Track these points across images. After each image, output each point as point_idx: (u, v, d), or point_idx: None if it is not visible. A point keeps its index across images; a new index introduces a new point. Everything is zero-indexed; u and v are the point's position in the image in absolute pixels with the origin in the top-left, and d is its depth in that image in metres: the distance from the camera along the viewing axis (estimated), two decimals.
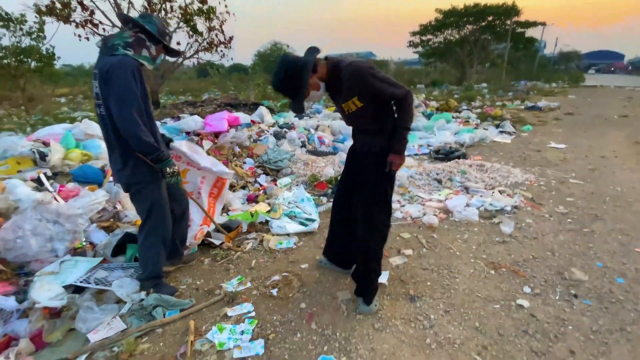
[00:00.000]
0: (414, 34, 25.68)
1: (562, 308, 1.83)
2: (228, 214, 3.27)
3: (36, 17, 10.63)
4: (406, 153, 4.96)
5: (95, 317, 1.84)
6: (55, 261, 2.25)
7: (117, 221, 2.73)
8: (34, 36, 12.99)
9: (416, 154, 5.34)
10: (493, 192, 3.38)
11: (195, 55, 10.82)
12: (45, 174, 2.82)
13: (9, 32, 12.25)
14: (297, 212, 3.22)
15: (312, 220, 3.03)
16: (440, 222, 2.87)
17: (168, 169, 1.84)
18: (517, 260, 2.30)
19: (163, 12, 9.59)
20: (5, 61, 12.49)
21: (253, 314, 1.86)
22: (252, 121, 5.89)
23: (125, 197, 2.90)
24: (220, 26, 10.24)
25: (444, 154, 4.95)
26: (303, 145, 5.53)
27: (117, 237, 2.47)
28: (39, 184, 2.69)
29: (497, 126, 7.15)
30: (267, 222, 3.02)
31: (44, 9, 8.38)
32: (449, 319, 1.76)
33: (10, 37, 12.33)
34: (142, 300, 1.98)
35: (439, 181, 3.85)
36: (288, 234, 2.78)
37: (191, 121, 4.94)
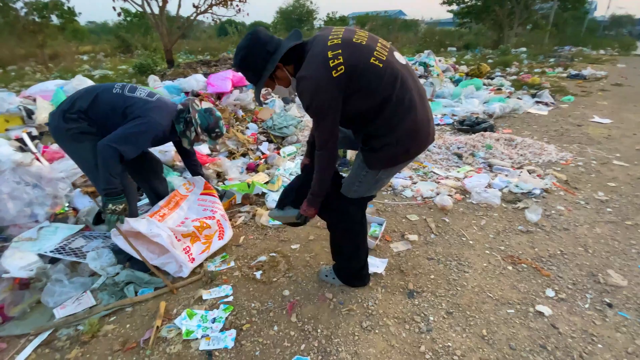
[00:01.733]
0: None
1: (591, 320, 1.52)
2: (224, 183, 3.07)
3: None
4: None
5: (65, 291, 1.72)
6: (34, 227, 2.14)
7: None
8: None
9: (438, 124, 4.85)
10: (521, 172, 2.95)
11: (210, 10, 10.22)
12: (30, 133, 2.67)
13: None
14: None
15: None
16: (455, 204, 2.54)
17: (110, 206, 1.64)
18: (541, 255, 1.97)
19: None
20: (30, 17, 12.38)
21: (230, 298, 1.68)
22: None
23: None
24: None
25: (469, 125, 4.45)
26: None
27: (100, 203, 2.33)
28: (23, 144, 2.54)
29: (534, 95, 6.40)
30: (263, 194, 2.80)
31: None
32: (450, 323, 1.51)
33: None
34: (117, 274, 1.85)
35: (459, 156, 3.43)
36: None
37: (193, 80, 4.64)
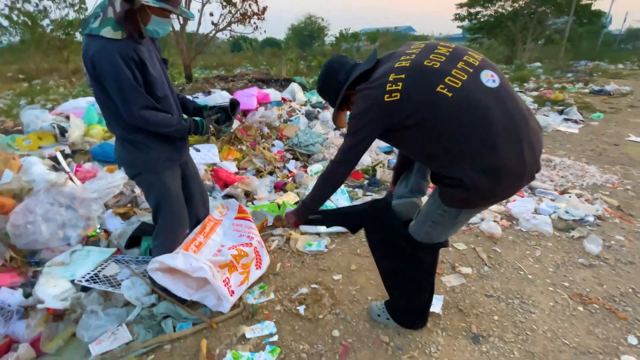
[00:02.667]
0: (460, 5, 23.42)
1: None
2: (253, 203, 2.97)
3: None
4: None
5: (100, 325, 1.61)
6: (67, 250, 2.06)
7: (134, 207, 2.52)
8: (76, 8, 13.20)
9: None
10: (569, 196, 2.78)
11: (228, 28, 10.43)
12: (63, 151, 2.64)
13: (54, 5, 12.49)
14: (328, 206, 2.85)
15: None
16: (503, 232, 2.38)
17: (207, 135, 1.61)
18: (611, 293, 1.79)
19: None
20: (55, 34, 12.85)
21: (275, 337, 1.55)
22: (283, 99, 5.49)
23: None
24: None
25: None
26: (337, 128, 5.09)
27: (132, 226, 2.25)
28: (56, 163, 2.50)
29: (561, 112, 6.22)
30: None
31: None
32: None
33: (55, 9, 12.58)
34: (153, 305, 1.74)
35: None
36: (318, 234, 2.43)
37: (219, 97, 4.64)
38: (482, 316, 1.63)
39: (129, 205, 2.51)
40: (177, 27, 9.79)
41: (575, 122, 5.74)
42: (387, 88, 1.08)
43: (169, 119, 1.47)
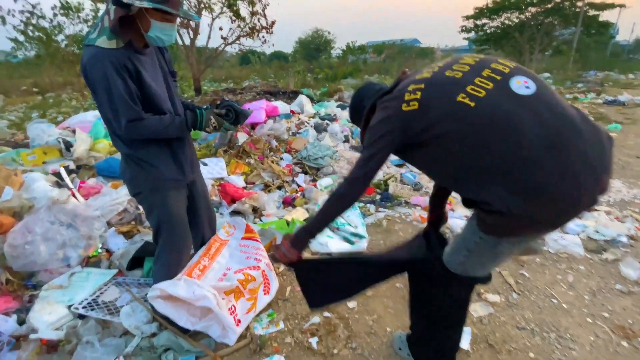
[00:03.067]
0: (467, 17, 23.55)
1: None
2: (261, 220, 2.86)
3: (92, 4, 10.98)
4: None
5: (95, 357, 1.48)
6: (66, 272, 1.96)
7: (138, 224, 2.42)
8: (90, 23, 13.59)
9: None
10: (598, 213, 2.61)
11: (237, 41, 10.57)
12: (67, 167, 2.57)
13: (68, 20, 12.87)
14: (339, 223, 2.71)
15: (359, 237, 2.51)
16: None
17: (207, 129, 1.44)
18: None
19: None
20: (70, 49, 13.19)
21: None
22: (292, 111, 5.43)
23: None
24: (263, 11, 9.86)
25: None
26: (346, 140, 4.99)
27: (135, 246, 2.14)
28: (59, 179, 2.43)
29: None
30: None
31: None
32: None
33: (69, 25, 12.94)
34: (154, 334, 1.61)
35: None
36: (330, 254, 2.29)
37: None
38: (515, 353, 1.47)
39: (133, 222, 2.42)
40: (187, 42, 9.96)
41: None
42: (406, 97, 1.00)
43: (160, 120, 1.34)
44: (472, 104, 0.92)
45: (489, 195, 0.93)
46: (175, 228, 1.56)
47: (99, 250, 2.16)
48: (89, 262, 2.09)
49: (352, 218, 2.81)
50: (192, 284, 1.51)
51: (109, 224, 2.32)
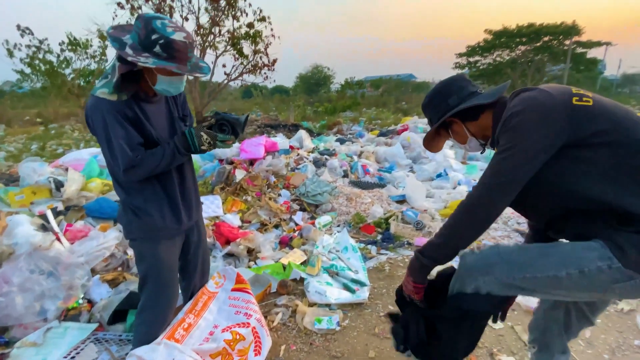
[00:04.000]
0: (460, 55, 24.68)
1: None
2: (256, 263, 2.71)
3: (100, 42, 11.45)
4: (466, 189, 3.79)
5: None
6: (41, 328, 1.80)
7: (125, 271, 2.28)
8: (97, 59, 14.12)
9: None
10: None
11: (240, 78, 10.91)
12: (55, 208, 2.47)
13: (75, 56, 13.38)
14: (339, 268, 2.57)
15: (360, 284, 2.36)
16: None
17: (203, 147, 1.31)
18: None
19: (212, 37, 9.81)
20: (76, 82, 13.61)
21: None
22: (291, 147, 5.44)
23: None
24: (265, 49, 10.28)
25: None
26: (345, 175, 4.95)
27: (119, 296, 2.00)
28: (45, 221, 2.32)
29: None
30: (302, 280, 2.41)
31: (106, 34, 8.92)
32: None
33: (76, 59, 13.42)
34: None
35: (523, 234, 3.00)
36: (329, 305, 2.14)
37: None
38: None
39: (119, 269, 2.28)
40: (191, 77, 10.27)
41: None
42: (574, 91, 0.91)
43: (152, 155, 1.26)
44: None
45: None
46: (161, 279, 1.45)
47: (80, 302, 2.00)
48: (68, 315, 1.93)
49: (353, 262, 2.68)
50: (172, 349, 1.36)
51: (94, 271, 2.19)
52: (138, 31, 1.16)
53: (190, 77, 9.90)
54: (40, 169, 2.79)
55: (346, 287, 2.34)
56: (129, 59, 1.13)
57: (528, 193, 0.92)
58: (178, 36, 1.16)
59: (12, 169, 5.48)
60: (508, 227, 3.14)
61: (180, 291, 1.70)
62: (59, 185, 2.67)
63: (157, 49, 1.14)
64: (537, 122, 0.87)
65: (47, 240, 2.09)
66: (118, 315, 1.90)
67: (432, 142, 1.22)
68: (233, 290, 1.85)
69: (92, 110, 1.20)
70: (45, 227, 2.31)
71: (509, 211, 3.50)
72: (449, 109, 1.10)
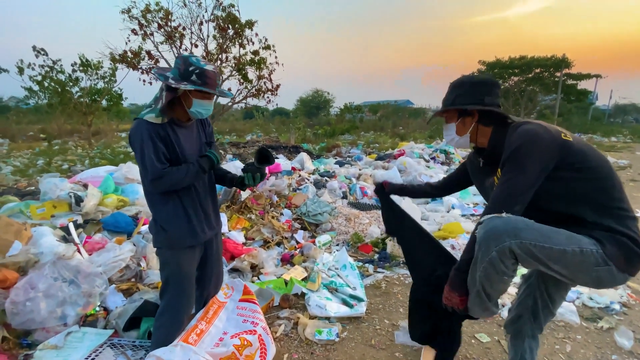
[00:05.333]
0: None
1: None
2: (259, 278, 2.87)
3: (110, 64, 11.94)
4: (459, 212, 4.03)
5: None
6: (62, 332, 1.94)
7: (138, 281, 2.43)
8: (106, 80, 14.64)
9: (472, 214, 4.70)
10: None
11: (244, 101, 11.34)
12: (76, 221, 2.66)
13: (86, 76, 13.88)
14: (338, 284, 2.73)
15: (358, 299, 2.51)
16: None
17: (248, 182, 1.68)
18: None
19: (219, 62, 10.29)
20: (81, 99, 14.04)
21: None
22: (293, 168, 5.68)
23: (151, 253, 2.63)
24: (269, 75, 10.73)
25: None
26: (344, 196, 5.16)
27: (134, 304, 2.14)
28: (67, 233, 2.50)
29: None
30: (303, 294, 2.57)
31: (117, 57, 9.37)
32: None
33: (86, 80, 13.92)
34: None
35: None
36: (329, 318, 2.29)
37: (232, 167, 4.82)
38: None
39: (133, 280, 2.43)
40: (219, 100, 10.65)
41: None
42: (560, 129, 1.19)
43: (178, 171, 1.49)
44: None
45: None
46: (181, 286, 1.63)
47: (97, 309, 2.15)
48: (86, 321, 2.08)
49: (351, 279, 2.84)
50: (188, 351, 1.52)
51: (110, 281, 2.34)
52: (178, 66, 1.48)
53: (218, 100, 10.30)
54: (61, 184, 2.99)
55: (345, 302, 2.49)
56: (173, 85, 1.42)
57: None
58: (209, 67, 1.46)
59: (20, 183, 5.63)
60: None
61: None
62: (79, 200, 2.86)
63: (194, 77, 1.43)
64: (541, 151, 1.12)
65: (69, 251, 2.27)
66: (132, 322, 2.04)
67: (443, 114, 1.40)
68: (241, 300, 2.02)
69: (134, 130, 1.47)
70: (66, 239, 2.48)
71: None
72: (483, 104, 1.26)
